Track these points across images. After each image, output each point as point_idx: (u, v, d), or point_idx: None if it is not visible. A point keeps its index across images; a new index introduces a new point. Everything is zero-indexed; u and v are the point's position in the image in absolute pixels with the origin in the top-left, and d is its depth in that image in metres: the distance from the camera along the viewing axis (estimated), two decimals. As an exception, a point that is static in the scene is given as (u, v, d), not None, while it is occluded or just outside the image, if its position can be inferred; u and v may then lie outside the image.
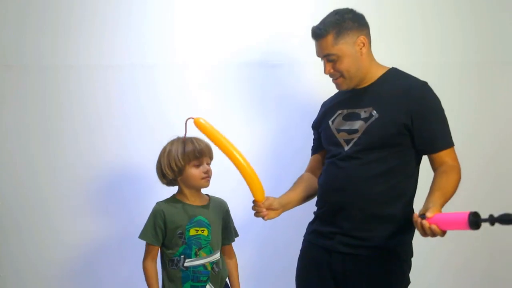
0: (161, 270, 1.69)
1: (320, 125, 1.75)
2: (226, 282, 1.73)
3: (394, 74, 1.65)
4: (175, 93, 2.20)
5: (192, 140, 1.66)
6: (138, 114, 2.19)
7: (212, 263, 1.66)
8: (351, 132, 1.60)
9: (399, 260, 1.57)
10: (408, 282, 1.60)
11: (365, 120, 1.58)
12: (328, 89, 1.74)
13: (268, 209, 1.64)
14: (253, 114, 2.22)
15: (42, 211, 2.17)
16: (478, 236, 1.95)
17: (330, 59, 1.60)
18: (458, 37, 2.27)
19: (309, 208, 1.74)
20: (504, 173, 2.27)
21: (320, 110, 1.80)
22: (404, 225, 1.54)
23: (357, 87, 1.65)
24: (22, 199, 2.17)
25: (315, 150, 1.83)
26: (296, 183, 1.78)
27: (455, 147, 1.57)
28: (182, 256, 1.63)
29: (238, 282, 1.78)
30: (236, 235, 1.80)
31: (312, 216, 1.73)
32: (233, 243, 1.80)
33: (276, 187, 1.74)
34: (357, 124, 1.59)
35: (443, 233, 1.28)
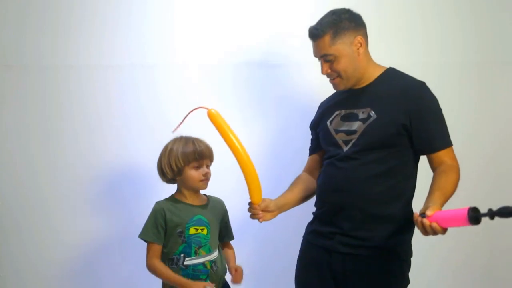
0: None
1: (318, 126, 1.75)
2: (225, 280, 1.74)
3: (391, 74, 1.65)
4: (175, 93, 2.20)
5: (193, 141, 1.66)
6: (138, 114, 2.19)
7: (211, 261, 1.66)
8: (350, 133, 1.60)
9: (399, 260, 1.57)
10: (408, 282, 1.60)
11: (363, 121, 1.58)
12: (327, 89, 1.73)
13: (264, 211, 1.64)
14: (253, 114, 2.22)
15: (42, 211, 2.17)
16: (477, 233, 1.97)
17: (327, 59, 1.60)
18: (458, 37, 2.27)
19: (309, 208, 1.74)
20: (504, 173, 2.27)
21: (317, 111, 1.80)
22: (404, 225, 1.55)
23: (354, 87, 1.65)
24: (22, 199, 2.17)
25: (313, 150, 1.82)
26: (293, 184, 1.78)
27: (455, 147, 1.57)
28: (182, 255, 1.63)
29: (235, 259, 1.76)
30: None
31: (311, 217, 1.73)
32: (232, 243, 1.80)
33: (275, 187, 1.74)
34: (355, 125, 1.59)
35: (444, 230, 1.28)
